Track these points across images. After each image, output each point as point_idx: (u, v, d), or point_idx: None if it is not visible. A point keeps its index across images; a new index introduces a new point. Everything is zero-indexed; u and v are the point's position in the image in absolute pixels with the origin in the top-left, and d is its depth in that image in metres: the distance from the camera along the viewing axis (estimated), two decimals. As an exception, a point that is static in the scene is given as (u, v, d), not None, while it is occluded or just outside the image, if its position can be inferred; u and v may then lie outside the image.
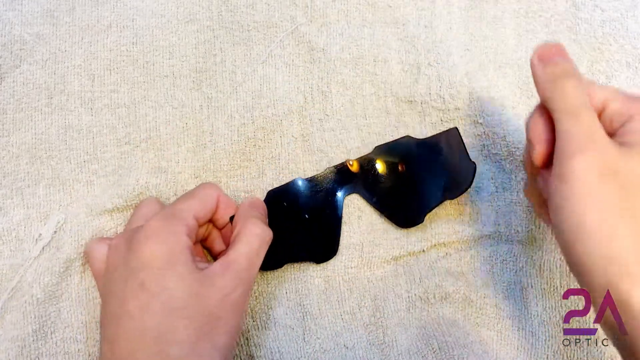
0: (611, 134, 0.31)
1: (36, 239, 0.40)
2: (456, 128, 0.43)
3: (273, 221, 0.41)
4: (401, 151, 0.44)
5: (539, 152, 0.33)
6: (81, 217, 0.41)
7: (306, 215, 0.42)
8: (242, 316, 0.35)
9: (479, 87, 0.46)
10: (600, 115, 0.32)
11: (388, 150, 0.44)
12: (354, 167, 0.43)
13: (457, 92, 0.46)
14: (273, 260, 0.41)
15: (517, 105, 0.47)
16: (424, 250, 0.44)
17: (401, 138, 0.44)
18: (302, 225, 0.42)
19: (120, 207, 0.42)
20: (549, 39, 0.49)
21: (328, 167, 0.44)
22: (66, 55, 0.44)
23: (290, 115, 0.45)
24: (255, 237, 0.36)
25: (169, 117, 0.45)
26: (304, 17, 0.48)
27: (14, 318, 0.38)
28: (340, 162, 0.44)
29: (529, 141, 0.34)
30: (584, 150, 0.29)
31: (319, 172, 0.44)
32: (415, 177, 0.43)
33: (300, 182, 0.43)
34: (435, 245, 0.44)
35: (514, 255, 0.44)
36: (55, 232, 0.40)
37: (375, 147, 0.44)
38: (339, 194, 0.43)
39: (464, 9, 0.49)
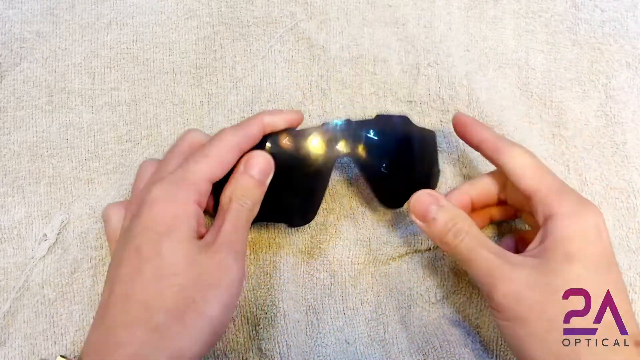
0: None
1: (40, 239, 0.42)
2: (434, 132, 0.45)
3: None
4: (402, 129, 0.42)
5: None
6: (84, 218, 0.42)
7: (291, 172, 0.40)
8: (239, 288, 0.34)
9: (478, 87, 0.47)
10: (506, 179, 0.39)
11: (389, 125, 0.42)
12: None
13: (456, 93, 0.47)
14: None
15: (516, 106, 0.49)
16: (430, 249, 0.45)
17: (402, 116, 0.42)
18: (285, 182, 0.39)
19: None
20: (548, 39, 0.51)
21: (325, 122, 0.40)
22: (66, 53, 0.45)
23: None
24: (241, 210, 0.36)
25: (170, 113, 0.46)
26: (304, 14, 0.49)
27: (26, 317, 0.40)
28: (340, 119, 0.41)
29: None
30: (492, 286, 0.34)
31: (313, 126, 0.41)
32: (407, 161, 0.42)
33: (293, 134, 0.40)
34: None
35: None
36: (59, 232, 0.42)
37: (378, 114, 0.42)
38: (331, 155, 0.40)
39: (464, 9, 0.51)
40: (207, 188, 0.35)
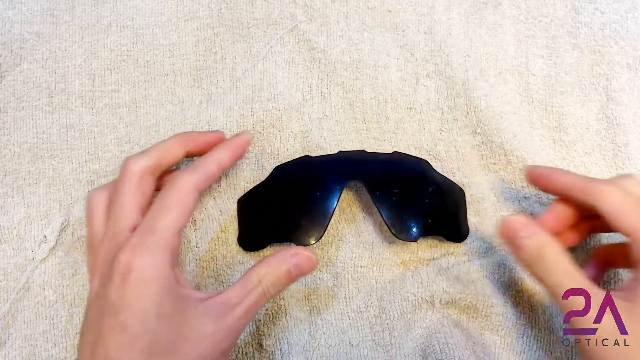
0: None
1: (40, 241, 0.42)
2: (464, 191, 0.46)
3: (272, 197, 0.43)
4: (417, 169, 0.45)
5: None
6: (84, 220, 0.42)
7: (303, 196, 0.42)
8: None
9: (476, 96, 0.48)
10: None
11: (406, 161, 0.45)
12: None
13: (454, 104, 0.48)
14: (258, 241, 0.43)
15: (517, 111, 0.49)
16: (434, 258, 0.45)
17: (422, 159, 0.45)
18: (296, 205, 0.42)
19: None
20: (548, 44, 0.51)
21: (340, 151, 0.44)
22: (66, 54, 0.46)
23: (290, 110, 0.47)
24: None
25: (169, 114, 0.46)
26: (304, 15, 0.49)
27: (26, 318, 0.41)
28: (354, 149, 0.45)
29: None
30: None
31: (329, 153, 0.45)
32: (421, 200, 0.43)
33: (307, 161, 0.44)
34: (445, 254, 0.45)
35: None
36: (59, 234, 0.42)
37: (395, 151, 0.45)
38: (342, 181, 0.42)
39: (464, 14, 0.51)
40: (177, 241, 0.35)
